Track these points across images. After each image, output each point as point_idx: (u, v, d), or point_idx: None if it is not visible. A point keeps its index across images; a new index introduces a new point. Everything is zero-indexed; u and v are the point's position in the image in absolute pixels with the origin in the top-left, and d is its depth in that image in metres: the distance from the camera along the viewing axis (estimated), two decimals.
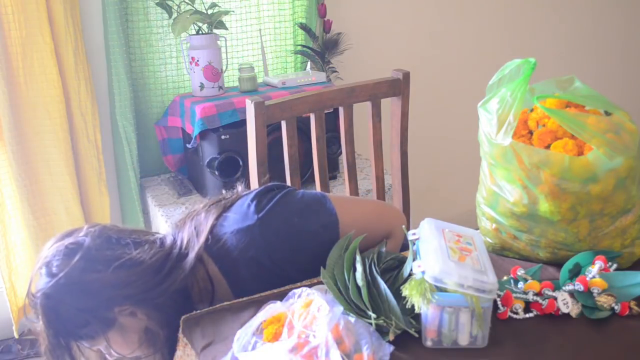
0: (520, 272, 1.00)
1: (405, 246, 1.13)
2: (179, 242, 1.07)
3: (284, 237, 1.06)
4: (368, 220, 1.12)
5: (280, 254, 1.06)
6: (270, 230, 1.06)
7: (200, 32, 2.04)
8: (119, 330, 1.02)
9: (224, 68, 2.08)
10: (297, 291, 0.89)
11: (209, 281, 1.07)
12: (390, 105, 1.68)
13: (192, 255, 1.05)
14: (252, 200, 1.09)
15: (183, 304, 1.04)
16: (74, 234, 1.04)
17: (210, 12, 2.03)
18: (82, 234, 1.04)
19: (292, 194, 1.12)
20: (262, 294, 1.03)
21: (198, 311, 1.00)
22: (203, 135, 1.93)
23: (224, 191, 1.14)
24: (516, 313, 0.94)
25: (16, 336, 2.14)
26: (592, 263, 0.99)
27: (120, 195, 2.19)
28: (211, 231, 1.08)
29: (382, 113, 1.66)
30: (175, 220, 1.17)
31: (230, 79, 2.25)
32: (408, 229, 1.00)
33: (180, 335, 0.97)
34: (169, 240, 1.08)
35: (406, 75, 1.64)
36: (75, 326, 0.99)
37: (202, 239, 1.07)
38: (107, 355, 1.06)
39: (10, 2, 1.83)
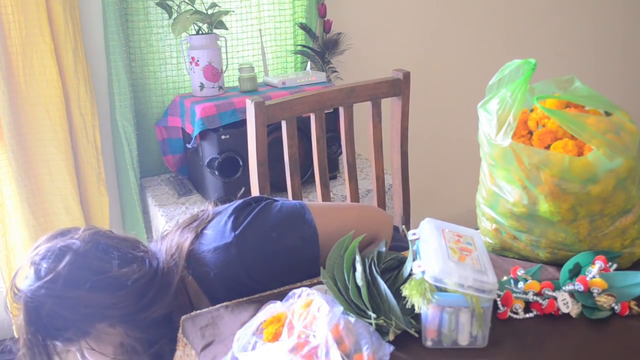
0: (520, 272, 1.00)
1: (405, 246, 1.13)
2: (161, 266, 1.06)
3: (262, 253, 1.05)
4: (350, 227, 1.07)
5: (259, 270, 1.05)
6: (247, 247, 1.04)
7: (200, 32, 2.04)
8: (95, 338, 1.02)
9: (224, 68, 2.08)
10: (297, 291, 0.89)
11: (188, 298, 1.06)
12: (390, 105, 1.68)
13: (174, 283, 1.04)
14: (229, 217, 1.07)
15: (164, 323, 1.03)
16: (67, 235, 1.04)
17: (210, 12, 2.03)
18: (76, 236, 1.03)
19: (269, 207, 1.10)
20: (262, 294, 1.03)
21: (198, 311, 1.00)
22: (203, 135, 1.93)
23: (195, 209, 1.13)
24: (516, 313, 0.94)
25: (16, 336, 2.14)
26: (592, 263, 0.99)
27: (121, 195, 2.19)
28: (189, 253, 1.06)
29: (382, 113, 1.66)
30: (158, 236, 1.16)
31: (230, 79, 2.25)
32: (408, 229, 1.00)
33: (180, 335, 0.97)
34: (154, 263, 1.06)
35: (406, 75, 1.64)
36: (54, 328, 0.99)
37: (181, 264, 1.05)
38: (79, 358, 1.06)
39: (10, 2, 1.83)
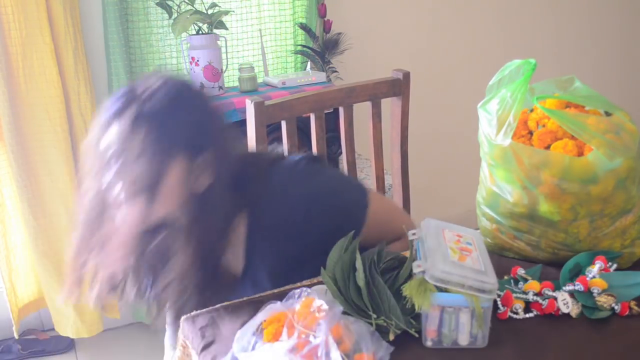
0: (520, 272, 1.00)
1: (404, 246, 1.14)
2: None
3: (322, 201, 1.10)
4: (389, 217, 1.17)
5: (313, 219, 1.08)
6: (313, 193, 1.09)
7: (200, 32, 2.04)
8: (181, 170, 0.98)
9: (224, 68, 2.08)
10: (297, 291, 0.89)
11: (227, 240, 1.07)
12: (390, 105, 1.68)
13: (239, 202, 1.07)
14: (300, 160, 1.13)
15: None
16: None
17: (210, 12, 2.03)
18: None
19: (337, 167, 1.18)
20: (262, 294, 1.03)
21: (198, 311, 1.00)
22: None
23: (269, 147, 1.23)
24: (516, 313, 0.94)
25: (16, 336, 2.14)
26: (592, 263, 0.99)
27: None
28: (254, 187, 1.09)
29: (382, 113, 1.66)
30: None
31: (230, 79, 2.25)
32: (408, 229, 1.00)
33: (180, 335, 0.97)
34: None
35: (406, 75, 1.64)
36: (172, 136, 0.97)
37: (248, 192, 1.08)
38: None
39: (10, 2, 1.83)
